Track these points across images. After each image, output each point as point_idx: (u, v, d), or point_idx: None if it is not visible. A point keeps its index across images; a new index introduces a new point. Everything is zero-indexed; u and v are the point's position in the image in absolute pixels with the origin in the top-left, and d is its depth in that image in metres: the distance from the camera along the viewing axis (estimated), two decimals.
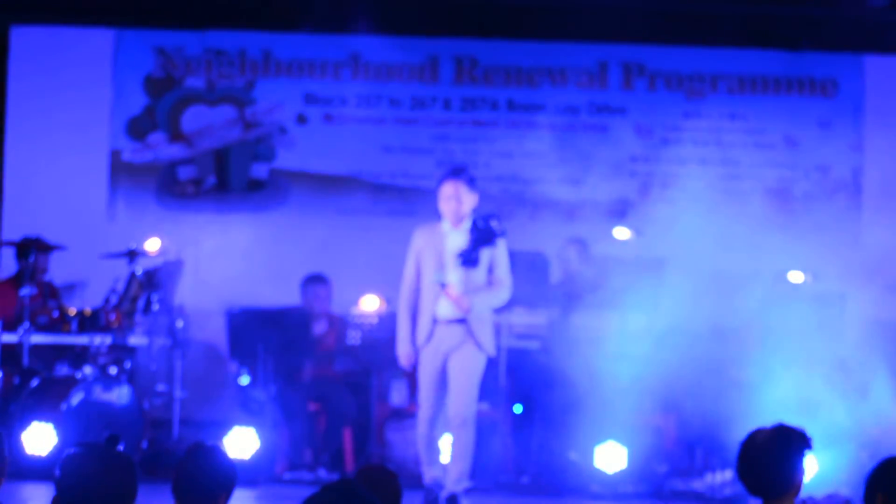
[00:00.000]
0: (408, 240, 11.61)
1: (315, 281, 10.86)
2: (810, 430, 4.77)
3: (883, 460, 4.62)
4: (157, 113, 12.25)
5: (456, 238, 8.53)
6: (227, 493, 4.54)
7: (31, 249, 10.38)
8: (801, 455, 4.68)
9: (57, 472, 4.17)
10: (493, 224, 8.49)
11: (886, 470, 4.57)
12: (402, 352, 8.59)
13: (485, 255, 8.51)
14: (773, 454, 4.65)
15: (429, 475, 8.53)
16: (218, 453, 4.64)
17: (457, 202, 8.53)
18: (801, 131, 12.29)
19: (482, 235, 8.46)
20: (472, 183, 8.61)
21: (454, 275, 8.48)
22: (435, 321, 8.48)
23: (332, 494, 3.69)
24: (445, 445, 8.58)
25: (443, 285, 8.44)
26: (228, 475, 4.57)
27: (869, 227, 12.14)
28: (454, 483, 8.46)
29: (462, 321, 8.47)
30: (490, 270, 8.56)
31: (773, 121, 12.29)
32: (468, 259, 8.44)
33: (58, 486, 4.15)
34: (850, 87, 12.30)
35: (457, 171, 8.72)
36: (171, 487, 4.55)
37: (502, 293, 8.66)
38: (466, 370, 8.45)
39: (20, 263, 10.43)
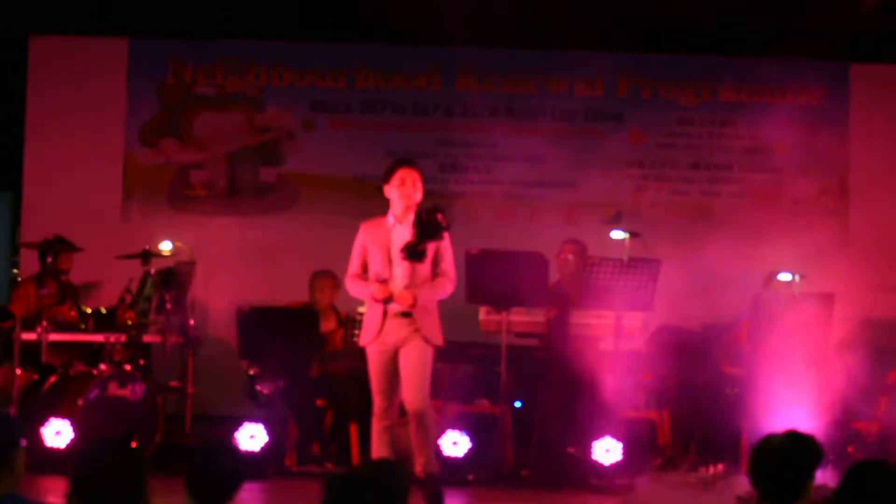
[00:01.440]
0: None
1: (321, 275, 10.88)
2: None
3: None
4: (170, 119, 12.35)
5: (401, 232, 8.33)
6: (237, 486, 4.62)
7: (49, 250, 10.49)
8: (814, 463, 4.66)
9: (71, 468, 4.25)
10: (439, 217, 8.27)
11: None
12: (374, 288, 8.31)
13: (430, 248, 8.30)
14: (787, 461, 4.63)
15: None
16: (228, 448, 4.78)
17: (412, 189, 8.35)
18: (790, 136, 12.30)
19: (428, 229, 8.25)
20: (421, 176, 8.45)
21: (399, 269, 8.30)
22: (384, 315, 8.31)
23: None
24: (410, 437, 8.45)
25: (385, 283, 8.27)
26: (238, 469, 4.63)
27: (856, 229, 12.25)
28: (424, 466, 8.32)
29: (409, 314, 8.29)
30: (435, 263, 8.35)
31: (762, 126, 12.26)
32: (413, 253, 8.24)
33: (71, 482, 4.23)
34: (837, 94, 12.41)
35: (411, 161, 8.61)
36: (185, 481, 4.60)
37: (447, 286, 8.42)
38: (416, 364, 8.27)
39: (42, 263, 10.56)
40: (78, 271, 10.99)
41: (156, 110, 12.38)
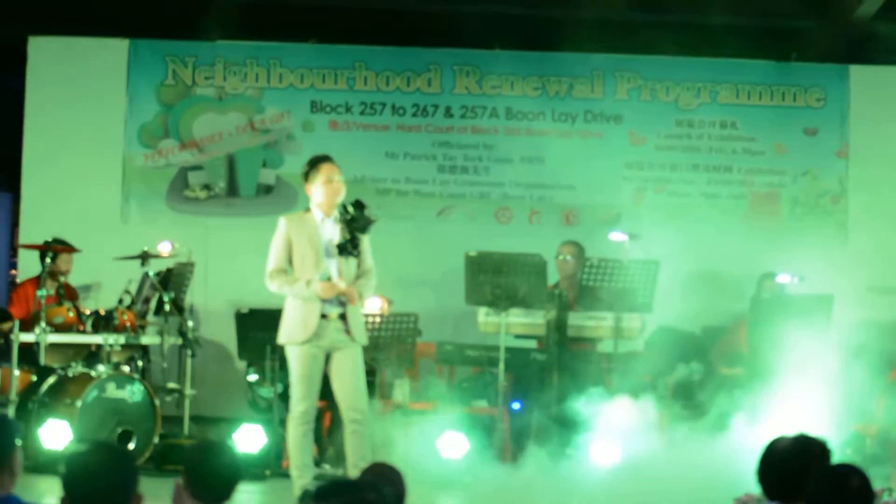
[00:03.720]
0: (408, 241, 11.67)
1: None
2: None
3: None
4: (170, 120, 12.37)
5: (330, 228, 8.14)
6: (235, 486, 4.63)
7: (48, 251, 10.46)
8: (816, 464, 4.63)
9: (62, 470, 4.24)
10: (366, 211, 8.11)
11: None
12: (322, 287, 8.03)
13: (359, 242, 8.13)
14: (794, 463, 4.65)
15: (306, 476, 8.12)
16: (225, 448, 4.75)
17: (338, 184, 8.14)
18: (789, 138, 12.45)
19: (358, 223, 8.06)
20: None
21: (332, 265, 8.10)
22: (322, 317, 8.07)
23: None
24: (347, 443, 8.26)
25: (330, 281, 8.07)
26: (235, 469, 4.66)
27: (855, 230, 12.27)
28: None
29: (343, 316, 8.12)
30: (360, 259, 8.19)
31: (762, 128, 12.43)
32: (351, 249, 8.04)
33: (63, 484, 4.21)
34: (836, 96, 12.43)
35: (329, 157, 8.34)
36: (182, 481, 4.62)
37: (373, 281, 8.26)
38: (355, 369, 8.12)
39: (42, 265, 10.52)
40: (77, 273, 10.96)
41: (155, 111, 12.40)
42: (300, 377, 8.14)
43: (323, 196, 8.18)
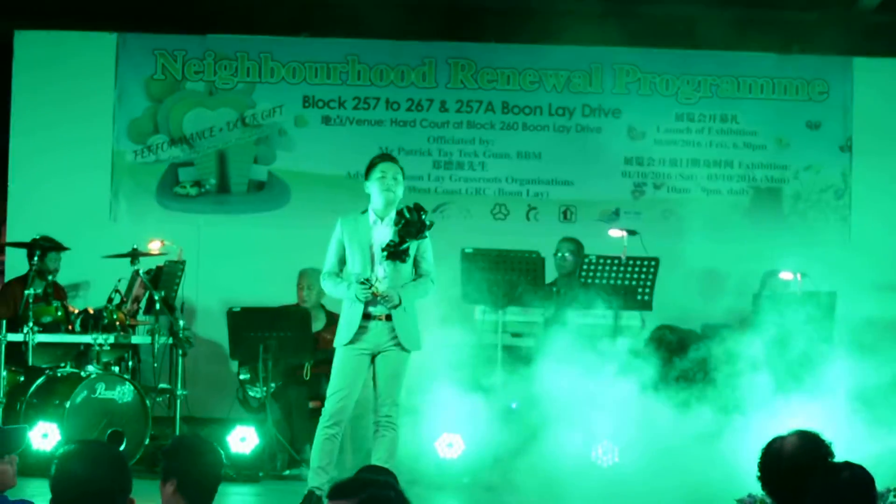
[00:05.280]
0: None
1: (309, 272, 10.77)
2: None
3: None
4: (159, 115, 12.33)
5: (383, 230, 8.07)
6: (216, 484, 4.58)
7: (36, 250, 10.43)
8: (822, 462, 4.65)
9: (51, 471, 4.19)
10: (423, 215, 8.01)
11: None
12: (361, 291, 7.95)
13: (412, 247, 8.04)
14: (797, 464, 4.66)
15: (317, 479, 7.94)
16: (204, 444, 4.68)
17: (393, 183, 8.05)
18: (791, 132, 12.41)
19: (411, 227, 7.98)
20: (402, 171, 8.20)
21: (381, 268, 8.01)
22: (366, 317, 8.01)
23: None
24: (375, 446, 8.16)
25: (367, 283, 7.97)
26: (217, 464, 4.60)
27: (858, 226, 12.23)
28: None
29: (389, 318, 8.03)
30: (416, 263, 8.12)
31: (763, 122, 12.39)
32: (396, 253, 7.97)
33: (52, 486, 4.17)
34: (839, 89, 12.39)
35: (392, 156, 8.36)
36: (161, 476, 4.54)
37: (429, 286, 8.17)
38: (393, 375, 8.04)
39: (29, 263, 10.51)
40: (65, 271, 10.92)
41: (144, 106, 12.34)
42: (337, 376, 8.08)
43: (376, 193, 8.10)
